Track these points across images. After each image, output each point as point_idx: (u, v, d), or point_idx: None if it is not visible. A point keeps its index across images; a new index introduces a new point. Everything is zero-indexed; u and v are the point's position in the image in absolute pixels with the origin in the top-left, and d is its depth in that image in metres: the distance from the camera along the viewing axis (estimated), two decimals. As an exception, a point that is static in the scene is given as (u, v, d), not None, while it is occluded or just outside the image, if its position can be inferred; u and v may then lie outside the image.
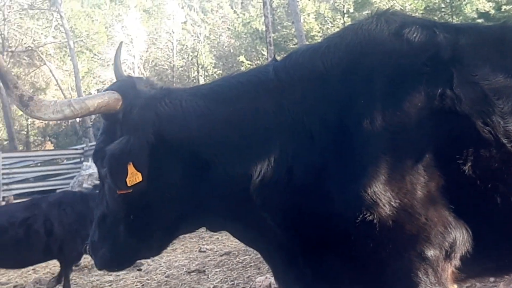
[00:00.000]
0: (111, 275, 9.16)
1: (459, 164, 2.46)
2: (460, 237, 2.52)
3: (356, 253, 2.57)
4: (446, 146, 2.50)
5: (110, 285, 8.53)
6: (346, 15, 24.48)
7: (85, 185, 16.46)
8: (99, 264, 3.41)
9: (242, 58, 28.02)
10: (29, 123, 40.17)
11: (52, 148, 36.79)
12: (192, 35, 38.78)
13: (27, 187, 22.77)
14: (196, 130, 2.90)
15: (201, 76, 34.98)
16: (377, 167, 2.46)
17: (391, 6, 19.14)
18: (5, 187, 21.43)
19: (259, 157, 2.76)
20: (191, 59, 37.55)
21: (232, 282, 7.69)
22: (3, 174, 21.48)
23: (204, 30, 38.71)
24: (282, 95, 2.79)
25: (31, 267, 9.79)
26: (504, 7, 16.49)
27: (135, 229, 3.12)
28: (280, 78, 2.85)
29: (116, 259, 3.31)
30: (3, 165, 21.81)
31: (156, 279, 8.55)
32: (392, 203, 2.43)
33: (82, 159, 24.00)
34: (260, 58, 29.67)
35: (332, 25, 26.85)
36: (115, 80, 3.58)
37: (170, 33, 38.26)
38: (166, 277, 8.59)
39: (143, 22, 40.38)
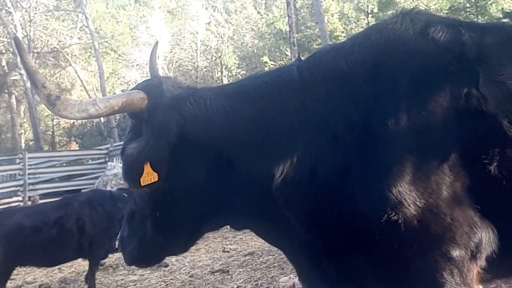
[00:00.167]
0: (135, 274, 9.24)
1: (485, 164, 2.45)
2: (485, 237, 2.50)
3: (380, 253, 2.56)
4: (472, 145, 2.49)
5: (134, 285, 8.59)
6: (370, 15, 24.30)
7: (109, 187, 16.56)
8: (128, 259, 3.48)
9: (265, 58, 27.93)
10: (55, 123, 40.54)
11: (77, 148, 37.06)
12: (216, 36, 38.79)
13: (53, 187, 22.97)
14: (220, 129, 2.91)
15: (225, 76, 35.00)
16: (402, 167, 2.45)
17: (416, 5, 18.99)
18: (31, 187, 21.64)
19: (282, 157, 2.76)
20: (215, 59, 37.58)
21: (255, 282, 7.70)
22: (29, 174, 21.69)
23: (228, 31, 38.70)
24: (306, 94, 2.79)
25: (57, 266, 9.91)
26: (530, 6, 16.29)
27: (161, 226, 3.16)
28: (304, 78, 2.85)
29: (144, 255, 3.36)
30: (29, 165, 22.02)
31: (180, 278, 8.59)
32: (417, 203, 2.41)
33: (107, 159, 24.13)
34: (284, 59, 29.59)
35: (356, 25, 26.67)
36: (144, 79, 3.61)
37: (194, 34, 38.31)
38: (190, 276, 8.63)
39: (167, 23, 40.53)
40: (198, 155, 2.95)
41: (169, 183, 2.99)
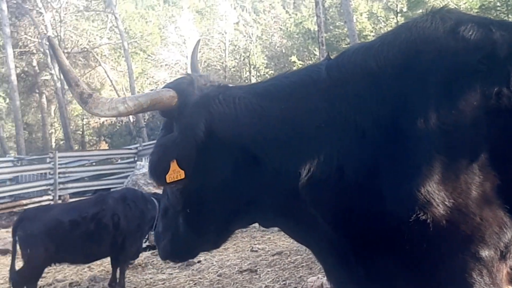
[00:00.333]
0: (164, 273, 9.29)
1: (515, 164, 2.43)
2: (515, 238, 2.48)
3: (409, 253, 2.54)
4: (502, 145, 2.46)
5: (163, 283, 8.62)
6: (399, 14, 24.15)
7: (137, 186, 16.69)
8: (162, 254, 3.59)
9: (294, 58, 27.91)
10: (85, 123, 40.99)
11: (106, 147, 37.39)
12: (244, 36, 38.86)
13: (82, 186, 23.23)
14: (248, 127, 2.92)
15: (253, 76, 35.03)
16: (431, 166, 2.43)
17: (446, 4, 18.82)
18: (61, 186, 21.90)
19: (309, 155, 2.76)
20: (243, 59, 37.65)
21: (283, 282, 7.69)
22: (59, 173, 21.95)
23: (256, 31, 38.73)
24: (334, 93, 2.78)
25: (86, 265, 10.01)
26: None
27: (191, 222, 3.22)
28: (333, 77, 2.84)
29: (177, 250, 3.45)
30: (59, 164, 22.30)
31: (208, 277, 8.61)
32: (446, 203, 2.39)
33: (136, 158, 24.34)
34: (312, 58, 29.52)
35: (385, 24, 26.54)
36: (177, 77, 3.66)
37: (223, 34, 38.44)
38: (218, 276, 8.64)
39: (196, 23, 40.74)
40: (226, 153, 2.97)
41: (197, 180, 3.03)
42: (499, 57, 2.55)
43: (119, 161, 27.57)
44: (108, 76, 36.67)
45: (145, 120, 33.43)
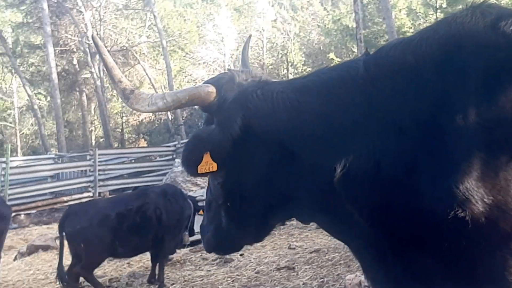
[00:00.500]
0: (202, 270, 9.35)
1: (556, 161, 2.38)
2: (556, 235, 2.43)
3: (447, 250, 2.51)
4: (543, 142, 2.42)
5: (201, 280, 8.68)
6: (438, 10, 23.84)
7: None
8: (206, 247, 3.66)
9: (332, 55, 27.82)
10: (124, 121, 41.53)
11: (145, 145, 37.85)
12: (282, 33, 38.86)
13: (122, 183, 23.60)
14: (285, 122, 2.92)
15: (291, 73, 35.02)
16: (470, 163, 2.39)
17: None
18: (101, 183, 22.29)
19: (345, 150, 2.74)
20: (281, 57, 37.69)
21: (321, 280, 7.67)
22: (99, 170, 22.34)
23: (294, 28, 38.69)
24: (372, 89, 2.76)
25: (126, 261, 10.15)
26: None
27: (232, 216, 3.27)
28: (370, 72, 2.82)
29: (220, 243, 3.52)
30: (99, 161, 22.69)
31: (246, 275, 8.64)
32: (485, 200, 2.36)
33: (174, 156, 24.59)
34: (350, 55, 29.36)
35: (425, 20, 26.21)
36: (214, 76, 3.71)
37: (260, 31, 38.49)
38: (256, 273, 8.67)
39: (234, 21, 40.88)
40: (263, 148, 2.98)
41: (235, 174, 3.09)
42: (541, 52, 2.50)
43: (158, 158, 27.88)
44: (146, 74, 37.03)
45: (183, 118, 33.67)
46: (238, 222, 3.29)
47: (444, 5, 23.78)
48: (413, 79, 2.67)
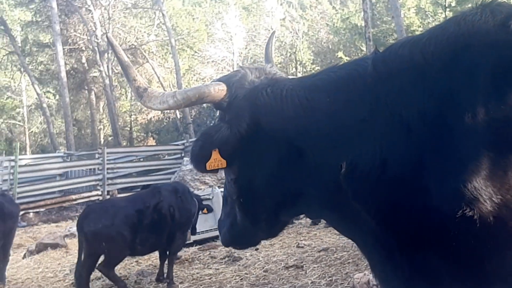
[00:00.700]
0: (210, 268, 9.38)
1: None
2: None
3: (455, 249, 2.50)
4: (553, 142, 2.40)
5: (210, 278, 8.70)
6: (447, 9, 23.73)
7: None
8: (223, 241, 3.76)
9: (340, 54, 27.80)
10: (133, 119, 41.60)
11: (154, 144, 37.88)
12: (291, 32, 38.84)
13: (130, 181, 23.69)
14: (293, 119, 2.94)
15: (299, 72, 34.94)
16: (478, 162, 2.38)
17: (496, -2, 18.41)
18: (110, 181, 22.35)
19: (351, 148, 2.74)
20: (290, 55, 37.63)
21: (330, 278, 7.67)
22: (107, 168, 22.40)
23: (303, 27, 38.68)
24: (380, 87, 2.75)
25: (134, 259, 10.17)
26: None
27: (245, 211, 3.32)
28: (378, 70, 2.81)
29: (236, 237, 3.59)
30: (108, 160, 22.75)
31: (254, 273, 8.65)
32: (494, 199, 2.35)
33: (183, 154, 24.61)
34: (359, 54, 29.29)
35: (433, 19, 26.10)
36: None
37: (269, 30, 38.47)
38: (264, 271, 8.68)
39: (243, 20, 40.89)
40: (272, 145, 3.00)
41: (246, 171, 3.13)
42: (552, 51, 2.49)
43: (166, 157, 27.92)
44: (155, 72, 37.12)
45: (192, 117, 33.70)
46: (250, 217, 3.34)
47: (453, 4, 23.67)
48: (421, 78, 2.66)
